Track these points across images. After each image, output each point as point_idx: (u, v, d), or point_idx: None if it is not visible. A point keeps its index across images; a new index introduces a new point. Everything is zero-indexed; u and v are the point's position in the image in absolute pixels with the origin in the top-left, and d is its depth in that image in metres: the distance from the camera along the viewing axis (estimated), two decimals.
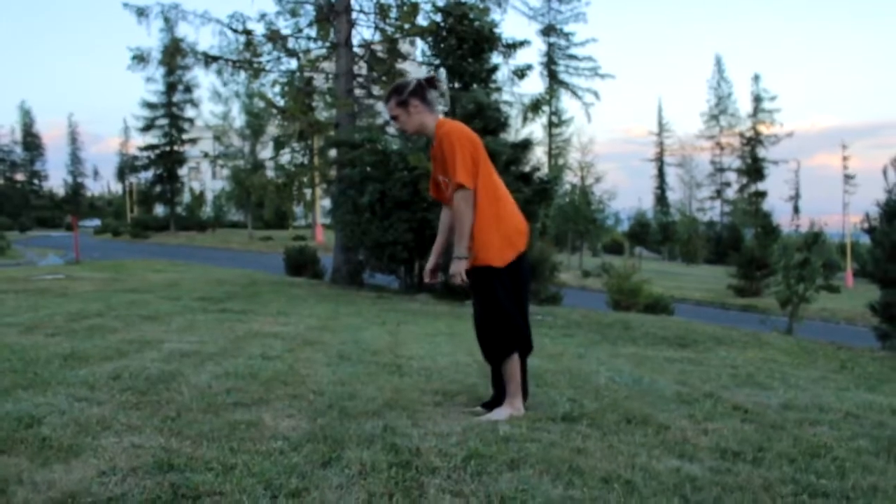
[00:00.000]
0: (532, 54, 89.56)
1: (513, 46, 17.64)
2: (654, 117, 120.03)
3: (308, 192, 22.71)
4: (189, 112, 60.26)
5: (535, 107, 16.94)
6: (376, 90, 19.05)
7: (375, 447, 3.18)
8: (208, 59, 18.10)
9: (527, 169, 15.11)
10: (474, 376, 5.28)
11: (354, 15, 18.02)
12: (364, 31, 19.27)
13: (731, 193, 78.51)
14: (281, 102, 19.42)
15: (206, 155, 49.52)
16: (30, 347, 5.76)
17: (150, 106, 58.61)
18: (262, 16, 18.66)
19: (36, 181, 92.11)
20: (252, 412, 3.77)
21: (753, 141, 74.66)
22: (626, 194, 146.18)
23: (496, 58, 16.86)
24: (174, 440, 3.18)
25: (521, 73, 18.05)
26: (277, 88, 21.80)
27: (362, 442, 3.25)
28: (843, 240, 48.16)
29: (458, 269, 3.92)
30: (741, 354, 7.92)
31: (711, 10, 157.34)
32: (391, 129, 17.92)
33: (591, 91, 61.82)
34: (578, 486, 2.84)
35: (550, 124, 61.02)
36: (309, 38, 19.53)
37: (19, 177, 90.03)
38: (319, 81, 20.79)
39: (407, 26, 17.40)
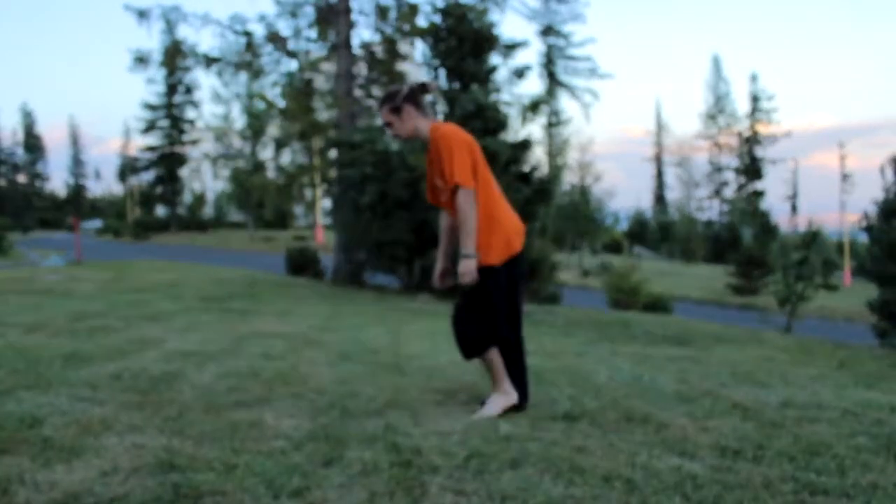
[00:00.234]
0: (531, 55, 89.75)
1: (512, 47, 17.68)
2: (653, 117, 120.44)
3: (308, 192, 22.74)
4: (190, 113, 60.58)
5: (534, 107, 16.96)
6: (376, 91, 19.08)
7: (377, 446, 3.18)
8: (209, 61, 18.17)
9: (526, 169, 15.12)
10: (475, 375, 5.29)
11: (354, 16, 18.08)
12: (363, 33, 19.36)
13: (729, 193, 78.38)
14: (281, 103, 19.46)
15: (207, 156, 49.56)
16: (32, 347, 5.77)
17: (150, 107, 58.79)
18: (262, 17, 18.74)
19: (37, 182, 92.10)
20: (254, 412, 3.78)
21: (751, 140, 74.56)
22: (624, 194, 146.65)
23: (495, 58, 16.88)
24: (176, 440, 3.19)
25: (520, 73, 18.09)
26: (278, 89, 21.89)
27: (364, 441, 3.26)
28: (842, 238, 48.16)
29: (469, 267, 3.87)
30: (740, 352, 7.93)
31: (709, 9, 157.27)
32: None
33: (590, 91, 61.93)
34: (579, 485, 2.84)
35: (549, 124, 61.02)
36: (308, 39, 19.57)
37: (21, 178, 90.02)
38: (319, 82, 20.83)
39: (406, 27, 17.47)
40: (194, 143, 59.75)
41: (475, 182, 3.94)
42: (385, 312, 10.47)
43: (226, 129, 54.07)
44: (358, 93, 18.68)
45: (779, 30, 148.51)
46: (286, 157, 21.67)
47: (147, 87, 59.17)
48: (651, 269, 37.83)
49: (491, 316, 4.02)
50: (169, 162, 59.35)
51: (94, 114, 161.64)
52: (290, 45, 19.29)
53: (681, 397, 4.73)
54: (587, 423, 3.88)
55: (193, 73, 57.11)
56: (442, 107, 16.25)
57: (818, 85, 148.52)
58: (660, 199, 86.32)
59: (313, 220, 51.81)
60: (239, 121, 53.19)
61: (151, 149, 59.87)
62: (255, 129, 48.21)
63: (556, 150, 61.47)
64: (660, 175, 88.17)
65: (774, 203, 77.56)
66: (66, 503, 2.44)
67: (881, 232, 13.31)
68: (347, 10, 17.74)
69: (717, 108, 78.67)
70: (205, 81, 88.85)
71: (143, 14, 17.22)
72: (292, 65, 20.21)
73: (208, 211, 67.07)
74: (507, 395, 4.07)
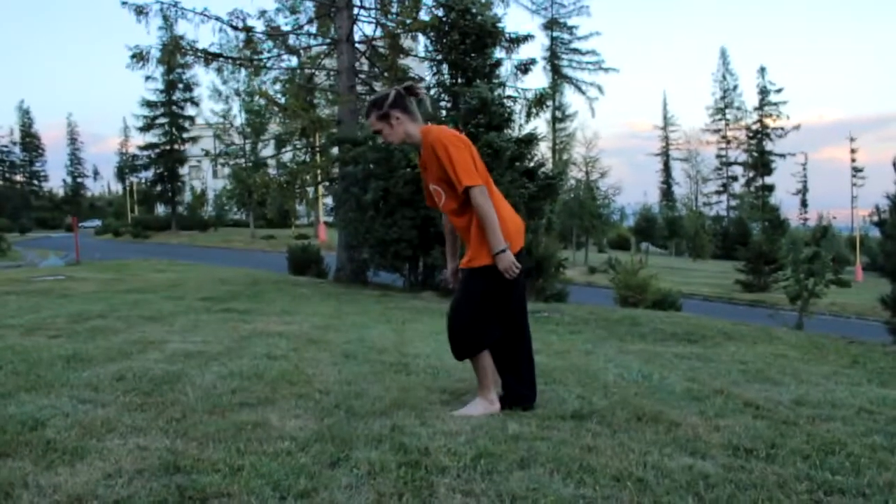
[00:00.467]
0: (535, 49, 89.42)
1: (516, 41, 17.60)
2: (659, 111, 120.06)
3: (310, 189, 22.69)
4: (189, 110, 60.57)
5: (539, 101, 16.86)
6: (378, 86, 19.02)
7: (384, 447, 3.14)
8: (208, 57, 18.07)
9: (531, 164, 15.05)
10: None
11: (356, 10, 18.01)
12: (365, 27, 19.23)
13: (737, 188, 78.41)
14: (282, 100, 19.40)
15: (206, 153, 49.52)
16: (32, 349, 5.71)
17: (149, 105, 58.72)
18: (262, 13, 18.67)
19: (35, 182, 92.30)
20: (258, 412, 3.73)
21: (760, 134, 74.35)
22: (631, 189, 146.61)
23: (499, 53, 16.79)
24: (180, 442, 3.14)
25: (524, 67, 18.00)
26: (278, 86, 21.85)
27: (370, 442, 3.21)
28: (852, 233, 48.07)
29: (507, 261, 3.82)
30: (751, 350, 7.87)
31: (716, 2, 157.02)
32: None
33: (595, 85, 61.71)
34: (590, 485, 2.79)
35: (554, 119, 60.88)
36: (309, 34, 19.53)
37: (19, 178, 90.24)
38: (320, 78, 20.79)
39: (409, 21, 17.39)
40: (194, 140, 59.65)
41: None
42: (389, 311, 10.41)
43: (226, 126, 54.00)
44: (360, 88, 18.61)
45: (787, 22, 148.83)
46: (287, 155, 21.56)
47: (146, 85, 59.18)
48: (659, 265, 37.82)
49: (485, 317, 3.99)
50: (168, 160, 59.29)
51: (92, 112, 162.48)
52: (291, 41, 19.25)
53: (691, 395, 4.68)
54: (596, 422, 3.83)
55: (193, 69, 57.12)
56: (445, 102, 16.19)
57: (828, 78, 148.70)
58: (667, 194, 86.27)
59: (315, 218, 51.80)
60: (239, 118, 53.18)
61: (151, 146, 59.77)
62: (256, 126, 48.18)
63: (561, 145, 61.40)
64: (667, 170, 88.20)
65: (784, 198, 77.17)
66: None
67: (893, 226, 13.23)
68: (349, 5, 17.68)
69: (725, 102, 78.58)
70: (204, 78, 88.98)
71: (140, 10, 17.11)
72: (293, 61, 20.20)
73: (209, 209, 67.01)
74: (490, 403, 4.04)
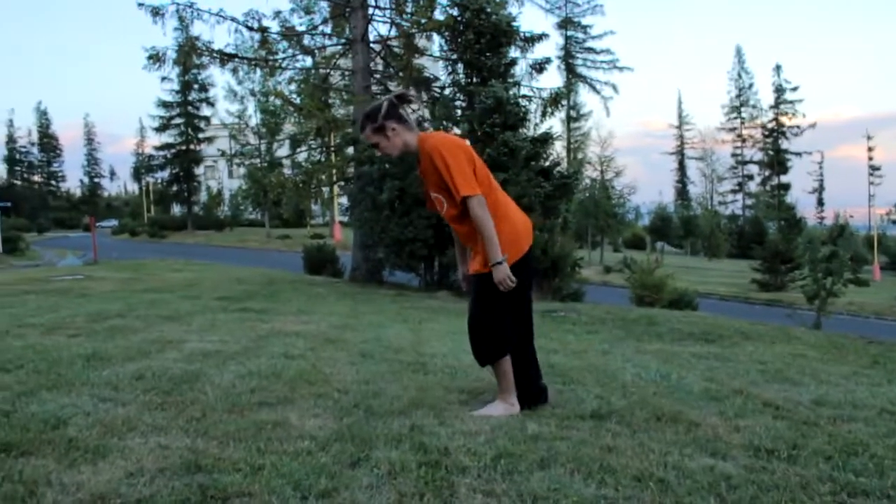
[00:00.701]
0: (549, 48, 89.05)
1: (531, 40, 17.56)
2: (674, 110, 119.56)
3: (326, 189, 22.73)
4: (205, 111, 60.76)
5: (554, 100, 16.83)
6: (393, 86, 19.03)
7: (404, 446, 3.13)
8: (224, 58, 18.13)
9: (547, 164, 15.03)
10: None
11: (371, 10, 18.00)
12: (380, 27, 19.27)
13: (753, 186, 77.86)
14: (297, 100, 19.44)
15: (223, 153, 49.73)
16: (52, 348, 5.75)
17: (165, 105, 59.05)
18: (277, 13, 18.74)
19: (53, 182, 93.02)
20: (277, 412, 3.74)
21: (776, 132, 73.84)
22: (645, 188, 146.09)
23: (514, 52, 16.77)
24: (200, 441, 3.15)
25: (539, 66, 17.97)
26: (294, 86, 21.88)
27: (390, 441, 3.21)
28: (870, 232, 47.67)
29: (503, 274, 3.78)
30: (769, 349, 7.81)
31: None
32: None
33: (610, 84, 61.47)
34: (611, 485, 2.79)
35: (569, 118, 60.74)
36: (324, 34, 19.54)
37: (37, 178, 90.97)
38: (335, 78, 20.81)
39: (423, 21, 17.37)
40: (210, 140, 59.90)
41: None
42: (405, 310, 10.41)
43: (241, 126, 54.16)
44: (375, 88, 18.62)
45: (803, 20, 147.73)
46: (302, 155, 21.62)
47: (162, 85, 59.36)
48: (674, 264, 37.61)
49: (502, 321, 3.97)
50: (184, 160, 59.57)
51: (108, 112, 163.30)
52: (306, 41, 19.28)
53: (710, 396, 4.65)
54: (616, 422, 3.82)
55: (208, 70, 57.41)
56: (460, 102, 16.19)
57: (844, 75, 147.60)
58: (682, 193, 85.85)
59: (330, 218, 51.91)
60: (254, 118, 53.34)
61: (166, 147, 60.08)
62: (271, 126, 48.32)
63: (575, 144, 61.27)
64: (682, 169, 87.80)
65: (800, 196, 76.87)
66: None
67: None
68: (364, 5, 17.69)
69: (741, 100, 78.05)
70: (219, 79, 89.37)
71: (157, 12, 17.18)
72: (307, 61, 20.23)
73: (225, 209, 67.26)
74: (510, 406, 4.03)
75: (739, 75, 78.42)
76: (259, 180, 43.93)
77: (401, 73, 18.79)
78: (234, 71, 19.97)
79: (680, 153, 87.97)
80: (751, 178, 78.36)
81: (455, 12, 15.91)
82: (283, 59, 19.09)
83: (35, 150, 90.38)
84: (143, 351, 5.71)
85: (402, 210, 14.02)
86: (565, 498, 2.60)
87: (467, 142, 4.05)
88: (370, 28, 18.24)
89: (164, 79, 56.79)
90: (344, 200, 29.95)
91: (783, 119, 73.62)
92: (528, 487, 2.70)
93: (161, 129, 59.46)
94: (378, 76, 18.97)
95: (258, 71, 22.02)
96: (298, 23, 19.31)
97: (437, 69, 19.78)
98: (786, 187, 72.99)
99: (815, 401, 4.58)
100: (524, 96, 16.42)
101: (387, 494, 2.57)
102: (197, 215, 62.26)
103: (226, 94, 54.83)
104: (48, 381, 4.35)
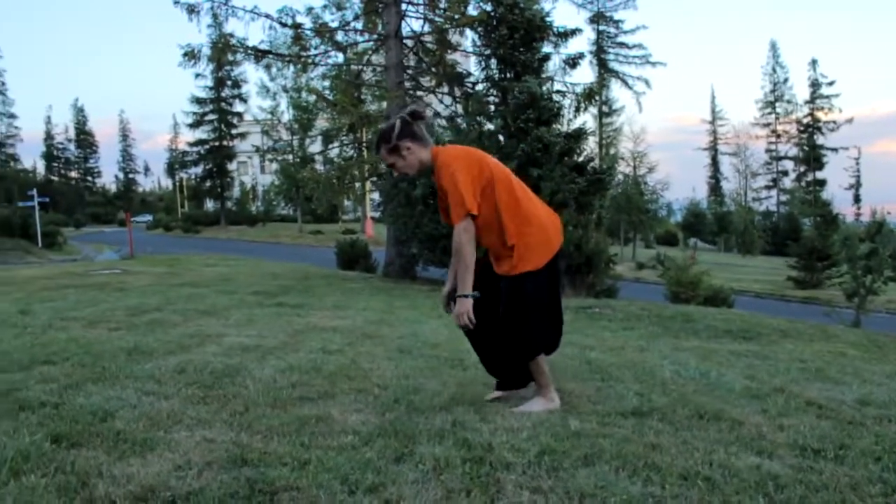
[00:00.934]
0: (581, 43, 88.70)
1: (564, 35, 17.44)
2: (707, 105, 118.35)
3: (358, 185, 22.78)
4: (238, 107, 61.11)
5: (588, 96, 16.69)
6: (426, 81, 19.04)
7: (447, 442, 3.13)
8: (258, 54, 18.21)
9: (581, 159, 14.93)
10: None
11: (403, 6, 18.00)
12: (413, 23, 19.23)
13: (787, 182, 76.95)
14: (331, 96, 19.50)
15: (257, 150, 50.03)
16: (95, 341, 5.84)
17: (199, 101, 59.54)
18: (310, 9, 18.77)
19: (89, 178, 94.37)
20: (319, 406, 3.76)
21: (811, 128, 72.88)
22: (678, 184, 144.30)
23: (547, 47, 16.66)
24: (244, 435, 3.18)
25: (572, 62, 17.84)
26: (326, 82, 21.96)
27: (433, 437, 3.21)
28: None
29: (464, 308, 3.76)
30: (808, 348, 7.70)
31: None
32: (442, 122, 17.91)
33: (642, 79, 60.95)
34: (657, 483, 2.76)
35: (601, 114, 60.34)
36: (356, 30, 19.56)
37: (73, 174, 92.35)
38: (367, 74, 20.85)
39: (457, 16, 17.33)
40: (242, 136, 60.35)
41: (497, 195, 3.81)
42: (440, 306, 10.40)
43: (273, 122, 54.45)
44: (408, 84, 18.62)
45: (839, 13, 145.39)
46: (334, 151, 21.71)
47: (195, 82, 59.91)
48: (708, 261, 37.24)
49: (539, 320, 3.95)
50: (217, 156, 60.07)
51: (142, 109, 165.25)
52: (339, 37, 19.32)
53: (751, 394, 4.60)
54: (657, 419, 3.79)
55: (241, 67, 57.75)
56: (493, 97, 16.14)
57: (882, 69, 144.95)
58: (715, 189, 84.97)
59: (362, 214, 52.09)
60: (286, 114, 53.60)
61: (200, 143, 60.61)
62: (303, 122, 48.50)
63: (607, 139, 60.87)
64: (715, 165, 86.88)
65: (836, 192, 75.54)
66: (144, 497, 2.43)
67: None
68: (397, 1, 17.70)
69: (775, 95, 77.09)
70: (252, 75, 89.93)
71: (192, 9, 17.30)
72: (339, 57, 20.28)
73: (258, 205, 67.72)
74: (550, 401, 4.01)
75: (774, 70, 77.49)
76: (291, 176, 44.22)
77: (433, 69, 18.78)
78: (268, 67, 20.11)
79: (713, 149, 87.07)
80: (785, 174, 77.49)
81: (488, 7, 15.83)
82: (316, 55, 19.16)
83: (72, 146, 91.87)
84: (183, 345, 5.77)
85: (436, 206, 13.97)
86: (612, 496, 2.59)
87: (482, 154, 3.98)
88: (403, 24, 18.25)
89: (197, 75, 57.43)
90: (376, 196, 30.02)
91: (819, 114, 72.65)
92: (574, 484, 2.69)
93: (195, 125, 59.98)
94: (411, 72, 18.96)
95: (291, 67, 22.12)
96: (330, 19, 19.35)
97: (468, 64, 19.74)
98: (821, 183, 72.02)
99: (859, 400, 4.51)
100: (558, 92, 16.32)
101: (433, 490, 2.57)
102: (230, 210, 62.73)
103: (258, 90, 55.16)
104: (93, 373, 4.42)
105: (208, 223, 60.43)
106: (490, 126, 15.56)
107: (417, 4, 18.46)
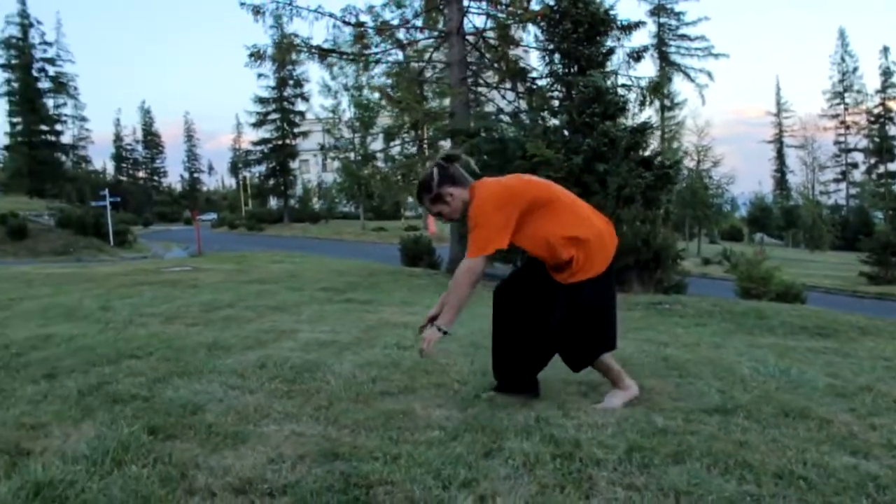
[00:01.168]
0: (643, 36, 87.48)
1: (627, 28, 17.27)
2: (772, 97, 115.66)
3: None
4: (300, 106, 61.89)
5: (655, 89, 16.50)
6: (489, 77, 19.02)
7: (534, 438, 3.12)
8: (322, 53, 18.42)
9: (647, 154, 14.74)
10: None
11: (466, 3, 18.00)
12: (475, 19, 19.22)
13: (857, 175, 74.84)
14: (393, 93, 19.60)
15: (322, 147, 50.59)
16: (175, 337, 5.97)
17: (262, 101, 60.45)
18: (370, 8, 18.91)
19: (156, 178, 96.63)
20: (401, 401, 3.78)
21: (882, 118, 70.65)
22: (740, 178, 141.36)
23: (610, 41, 16.48)
24: (332, 429, 3.21)
25: (636, 55, 17.67)
26: (386, 80, 22.09)
27: (520, 433, 3.20)
28: None
29: (433, 338, 3.68)
30: (890, 345, 7.47)
31: None
32: (505, 118, 17.87)
33: (705, 72, 59.86)
34: (751, 482, 2.71)
35: (662, 108, 59.45)
36: (417, 28, 19.63)
37: (141, 174, 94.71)
38: (428, 71, 20.90)
39: (520, 12, 17.28)
40: (305, 135, 61.15)
41: (539, 214, 3.76)
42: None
43: (335, 120, 54.97)
44: (470, 80, 18.62)
45: None
46: (396, 149, 21.85)
47: (258, 82, 61.03)
48: (776, 256, 36.43)
49: (598, 326, 3.92)
50: (280, 154, 60.94)
51: (206, 110, 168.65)
52: (400, 35, 19.42)
53: (836, 392, 4.48)
54: (743, 417, 3.71)
55: (303, 66, 58.50)
56: (557, 92, 16.04)
57: None
58: (781, 183, 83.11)
59: (425, 211, 52.23)
60: (348, 112, 54.02)
61: (263, 142, 61.55)
62: (364, 120, 48.84)
63: (669, 133, 59.96)
64: (780, 158, 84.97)
65: None
66: (243, 489, 2.48)
67: None
68: None
69: (844, 85, 75.00)
70: (314, 75, 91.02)
71: (258, 10, 17.58)
72: (400, 55, 20.38)
73: (321, 202, 68.40)
74: (627, 390, 3.99)
75: (843, 59, 75.39)
76: (353, 173, 44.55)
77: (496, 65, 18.75)
78: (330, 66, 20.24)
79: (778, 141, 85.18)
80: (855, 166, 75.40)
81: (551, 2, 15.71)
82: (378, 53, 19.30)
83: (139, 147, 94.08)
84: (260, 340, 5.86)
85: None
86: (708, 493, 2.55)
87: (522, 182, 3.93)
88: (465, 20, 18.25)
89: (260, 75, 58.41)
90: None
91: (890, 104, 70.35)
92: (667, 481, 2.65)
93: (258, 124, 60.90)
94: (473, 68, 18.96)
95: (352, 65, 22.32)
96: (390, 17, 19.47)
97: (531, 59, 19.68)
98: (893, 175, 69.79)
99: None
100: (623, 85, 16.17)
101: (527, 486, 2.56)
102: (293, 208, 63.54)
103: (320, 89, 55.76)
104: (177, 368, 4.51)
105: (272, 221, 61.32)
106: (555, 121, 15.46)
107: (480, 0, 18.45)
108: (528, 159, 13.07)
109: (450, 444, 2.99)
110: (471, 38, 18.76)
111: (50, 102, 66.91)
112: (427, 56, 20.32)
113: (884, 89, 70.57)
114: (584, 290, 3.79)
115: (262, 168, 63.14)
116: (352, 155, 48.05)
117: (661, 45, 60.22)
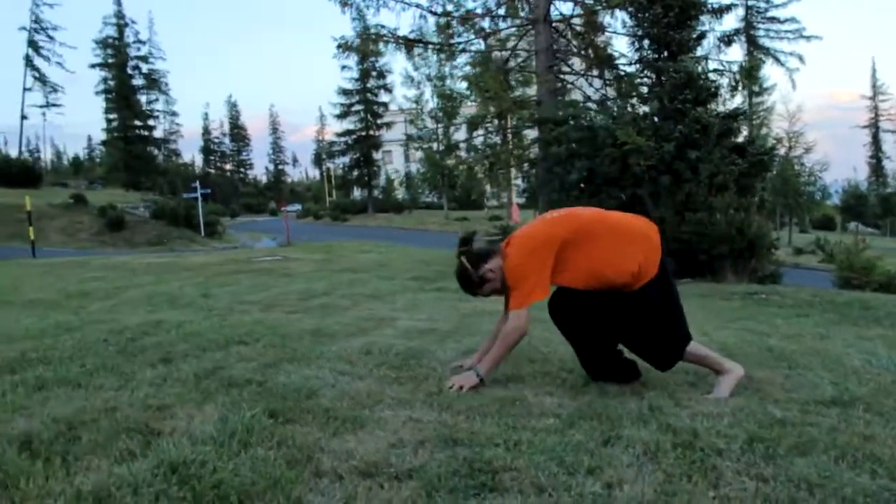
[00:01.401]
0: (731, 20, 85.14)
1: (718, 12, 16.89)
2: (866, 80, 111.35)
3: (503, 172, 22.81)
4: (383, 97, 62.40)
5: (748, 74, 16.04)
6: (576, 65, 18.83)
7: (651, 427, 3.08)
8: (409, 44, 18.51)
9: (740, 140, 14.38)
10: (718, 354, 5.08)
11: None
12: (562, 6, 19.04)
13: None
14: (481, 83, 19.55)
15: (409, 137, 50.96)
16: (277, 324, 6.10)
17: (345, 93, 61.15)
18: None
19: (242, 170, 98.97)
20: (510, 389, 3.78)
21: None
22: (832, 165, 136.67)
23: (701, 25, 16.10)
24: (447, 415, 3.23)
25: (727, 39, 17.28)
26: (469, 69, 22.06)
27: (636, 421, 3.17)
28: None
29: (469, 383, 3.74)
30: None
31: None
32: (592, 106, 17.65)
33: (796, 55, 57.87)
34: (884, 476, 2.62)
35: (751, 93, 57.77)
36: (500, 17, 19.53)
37: (228, 166, 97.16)
38: (511, 60, 20.80)
39: None
40: (388, 126, 61.69)
41: (583, 247, 3.81)
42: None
43: (418, 111, 55.24)
44: (555, 68, 18.45)
45: None
46: (479, 139, 21.80)
47: (341, 74, 61.64)
48: (874, 246, 35.12)
49: (674, 321, 3.94)
50: (364, 145, 61.61)
51: (290, 103, 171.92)
52: (485, 24, 19.36)
53: None
54: (862, 409, 3.59)
55: (386, 57, 58.90)
56: (647, 78, 15.76)
57: None
58: (877, 169, 79.94)
59: (508, 200, 52.12)
60: (431, 102, 54.24)
61: (347, 133, 62.33)
62: (448, 110, 48.91)
63: (758, 119, 58.27)
64: (876, 143, 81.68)
65: None
66: (369, 472, 2.51)
67: None
68: None
69: None
70: (396, 66, 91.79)
71: (345, 2, 17.79)
72: (482, 44, 20.31)
73: (404, 192, 68.94)
74: (732, 372, 3.94)
75: None
76: (436, 163, 44.75)
77: (583, 52, 18.54)
78: (414, 56, 20.35)
79: (874, 126, 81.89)
80: None
81: None
82: (463, 42, 19.28)
83: (226, 140, 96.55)
84: (361, 328, 5.95)
85: (592, 190, 13.80)
86: (841, 486, 2.47)
87: (552, 221, 4.00)
88: (551, 7, 18.09)
89: (344, 67, 59.12)
90: (519, 182, 29.97)
91: None
92: (795, 473, 2.58)
93: (342, 115, 61.67)
94: (560, 56, 18.78)
95: (434, 56, 22.38)
96: (473, 6, 19.42)
97: (621, 45, 19.38)
98: None
99: None
100: (714, 70, 15.76)
101: (654, 474, 2.53)
102: (376, 198, 64.22)
103: (403, 80, 56.12)
104: (285, 354, 4.61)
105: (355, 211, 62.10)
106: (644, 108, 15.20)
107: None
108: (619, 147, 12.90)
109: (567, 432, 2.98)
110: (557, 26, 18.58)
111: (143, 99, 69.39)
112: (510, 45, 20.22)
113: None
114: (649, 295, 3.82)
115: (346, 159, 63.95)
116: (435, 145, 48.25)
117: (748, 29, 58.48)
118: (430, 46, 19.52)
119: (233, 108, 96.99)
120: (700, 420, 3.23)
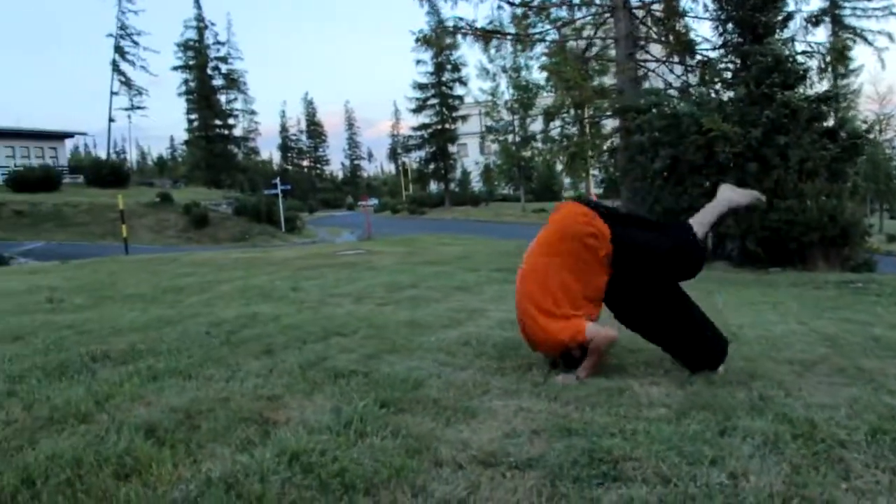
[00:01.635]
0: None
1: None
2: None
3: (587, 162, 22.59)
4: (458, 90, 62.42)
5: (840, 54, 15.52)
6: (657, 52, 18.51)
7: (766, 417, 3.02)
8: (486, 35, 18.48)
9: (831, 124, 13.92)
10: (821, 346, 4.94)
11: None
12: None
13: None
14: (559, 73, 19.39)
15: (489, 129, 50.84)
16: (370, 316, 6.17)
17: (421, 87, 61.39)
18: None
19: (319, 166, 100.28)
20: (615, 379, 3.75)
21: None
22: None
23: (787, 6, 15.62)
24: (556, 405, 3.22)
25: (815, 19, 16.72)
26: (545, 59, 21.88)
27: (750, 411, 3.11)
28: None
29: (566, 382, 3.68)
30: None
31: None
32: (673, 93, 17.33)
33: (885, 33, 55.62)
34: None
35: (836, 75, 55.85)
36: (577, 5, 19.31)
37: (305, 162, 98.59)
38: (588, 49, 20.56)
39: None
40: (463, 119, 61.71)
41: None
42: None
43: (493, 103, 55.06)
44: (635, 56, 18.17)
45: None
46: (555, 130, 21.59)
47: (416, 68, 61.81)
48: None
49: (697, 321, 4.07)
50: (440, 139, 61.75)
51: (365, 98, 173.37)
52: (562, 13, 19.18)
53: None
54: None
55: (461, 50, 58.98)
56: (731, 63, 15.39)
57: None
58: None
59: (585, 190, 51.62)
60: (506, 94, 54.00)
61: (423, 127, 62.55)
62: (523, 101, 48.66)
63: (845, 101, 56.30)
64: None
65: None
66: (488, 461, 2.52)
67: None
68: None
69: None
70: (471, 59, 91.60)
71: None
72: (558, 34, 20.11)
73: (481, 186, 68.79)
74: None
75: None
76: (513, 155, 44.58)
77: (663, 39, 18.21)
78: (490, 48, 20.28)
79: None
80: None
81: None
82: (539, 33, 19.15)
83: (303, 137, 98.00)
84: (455, 319, 5.97)
85: (676, 179, 13.57)
86: None
87: None
88: None
89: (419, 62, 59.28)
90: (596, 172, 29.65)
91: None
92: None
93: (417, 110, 61.94)
94: (641, 43, 18.48)
95: (509, 47, 22.26)
96: None
97: (703, 30, 18.98)
98: None
99: None
100: (803, 52, 15.30)
101: (779, 465, 2.48)
102: (453, 191, 64.31)
103: (478, 72, 56.02)
104: (384, 345, 4.66)
105: (432, 205, 62.29)
106: (729, 94, 14.85)
107: None
108: (704, 134, 12.64)
109: (682, 422, 2.94)
110: (636, 13, 18.29)
111: (222, 99, 70.98)
112: (586, 33, 19.99)
113: None
114: (664, 293, 4.10)
115: (422, 153, 64.19)
116: (511, 137, 48.08)
117: (834, 8, 56.50)
118: (509, 37, 19.45)
119: (309, 105, 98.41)
120: (815, 411, 3.15)
